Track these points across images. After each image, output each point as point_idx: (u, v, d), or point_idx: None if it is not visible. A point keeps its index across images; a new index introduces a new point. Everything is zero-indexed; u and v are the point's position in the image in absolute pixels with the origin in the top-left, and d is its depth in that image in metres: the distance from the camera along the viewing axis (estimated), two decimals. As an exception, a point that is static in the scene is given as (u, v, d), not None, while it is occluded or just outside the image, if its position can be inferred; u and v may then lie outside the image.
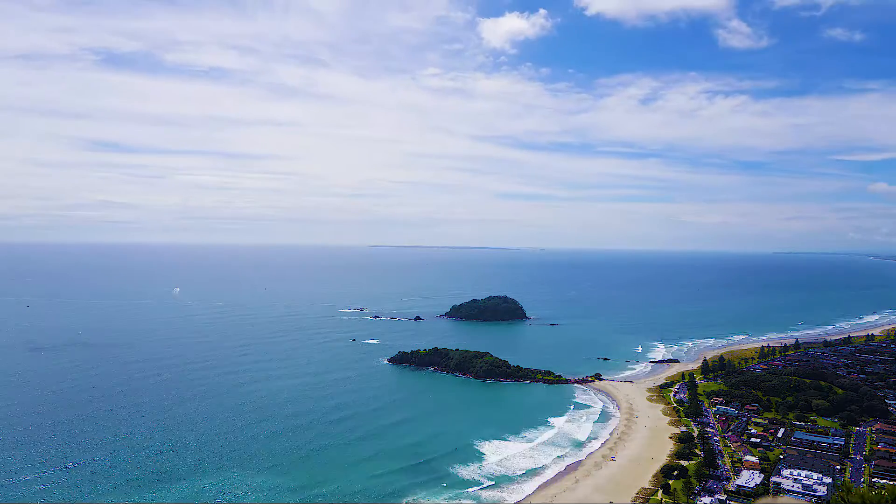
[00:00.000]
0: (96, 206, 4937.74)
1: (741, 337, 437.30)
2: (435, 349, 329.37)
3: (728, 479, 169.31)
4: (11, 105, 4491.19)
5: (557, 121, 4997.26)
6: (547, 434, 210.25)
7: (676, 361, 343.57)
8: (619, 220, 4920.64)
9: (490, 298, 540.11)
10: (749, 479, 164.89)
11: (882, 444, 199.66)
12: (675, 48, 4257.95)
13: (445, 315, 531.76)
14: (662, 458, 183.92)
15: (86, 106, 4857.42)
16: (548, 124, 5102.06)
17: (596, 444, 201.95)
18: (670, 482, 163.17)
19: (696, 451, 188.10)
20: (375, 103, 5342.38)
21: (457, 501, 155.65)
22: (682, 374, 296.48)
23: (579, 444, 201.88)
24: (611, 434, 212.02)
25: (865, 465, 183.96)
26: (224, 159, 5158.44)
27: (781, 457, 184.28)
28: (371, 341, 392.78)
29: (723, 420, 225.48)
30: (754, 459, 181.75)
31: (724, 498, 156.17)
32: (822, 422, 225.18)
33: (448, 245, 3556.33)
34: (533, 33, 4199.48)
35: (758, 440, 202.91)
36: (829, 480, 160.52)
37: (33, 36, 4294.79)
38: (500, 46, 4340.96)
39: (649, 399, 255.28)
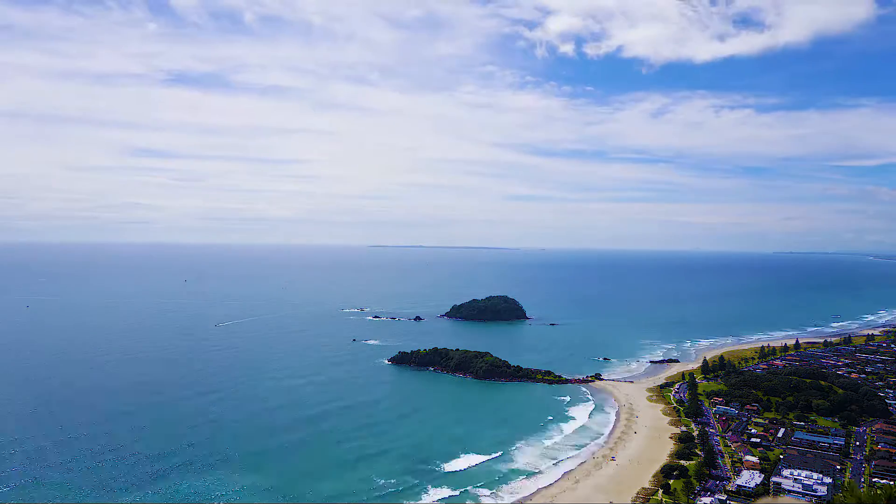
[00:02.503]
0: (123, 208, 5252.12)
1: (741, 337, 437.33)
2: (435, 349, 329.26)
3: (728, 479, 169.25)
4: (66, 116, 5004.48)
5: (574, 130, 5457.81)
6: (547, 434, 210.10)
7: (676, 361, 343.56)
8: (624, 221, 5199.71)
9: (490, 298, 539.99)
10: (749, 479, 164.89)
11: (882, 444, 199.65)
12: (686, 72, 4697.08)
13: (445, 315, 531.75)
14: (662, 458, 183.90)
15: (139, 116, 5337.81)
16: (565, 133, 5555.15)
17: (596, 444, 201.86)
18: (670, 482, 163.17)
19: (697, 451, 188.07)
20: (411, 115, 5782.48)
21: (457, 502, 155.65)
22: (682, 374, 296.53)
23: (579, 444, 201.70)
24: (611, 434, 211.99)
25: (865, 465, 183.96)
26: (254, 164, 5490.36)
27: (781, 457, 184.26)
28: (371, 341, 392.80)
29: (723, 420, 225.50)
30: (754, 459, 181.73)
31: (724, 498, 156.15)
32: (823, 422, 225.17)
33: (447, 245, 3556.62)
34: (557, 64, 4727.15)
35: (758, 440, 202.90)
36: (829, 480, 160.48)
37: (118, 59, 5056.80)
38: (528, 68, 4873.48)
39: (649, 399, 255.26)
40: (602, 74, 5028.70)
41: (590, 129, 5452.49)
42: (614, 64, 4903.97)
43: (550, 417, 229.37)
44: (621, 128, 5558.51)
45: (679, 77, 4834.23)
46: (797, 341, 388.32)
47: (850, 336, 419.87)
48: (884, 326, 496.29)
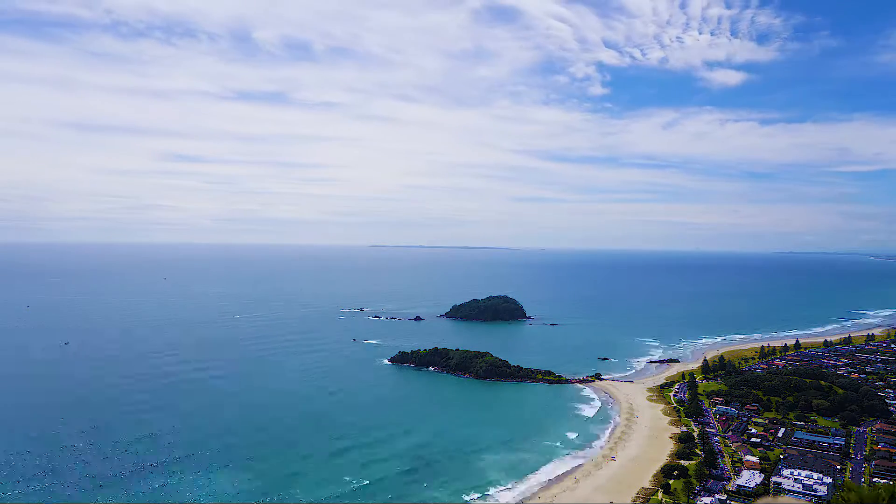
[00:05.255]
0: (147, 209, 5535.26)
1: (741, 337, 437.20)
2: (435, 349, 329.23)
3: (728, 478, 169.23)
4: (114, 125, 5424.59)
5: (590, 139, 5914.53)
6: (547, 434, 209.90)
7: (676, 361, 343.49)
8: (629, 222, 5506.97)
9: (490, 298, 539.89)
10: (749, 478, 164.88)
11: (882, 443, 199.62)
12: (694, 89, 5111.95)
13: (445, 315, 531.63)
14: (663, 458, 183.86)
15: (183, 126, 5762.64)
16: (581, 142, 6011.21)
17: (596, 444, 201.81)
18: (671, 482, 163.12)
19: (697, 450, 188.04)
20: (441, 126, 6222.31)
21: (457, 501, 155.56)
22: (682, 374, 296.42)
23: (579, 444, 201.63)
24: (611, 434, 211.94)
25: (866, 464, 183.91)
26: (279, 168, 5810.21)
27: (782, 457, 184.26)
28: (371, 341, 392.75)
29: (723, 420, 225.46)
30: (754, 459, 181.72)
31: (724, 498, 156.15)
32: (823, 422, 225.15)
33: (447, 245, 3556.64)
34: (581, 84, 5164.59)
35: (758, 440, 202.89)
36: (829, 480, 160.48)
37: (192, 79, 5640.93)
38: (554, 88, 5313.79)
39: (649, 399, 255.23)
40: (619, 93, 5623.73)
41: (605, 138, 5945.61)
42: (630, 84, 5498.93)
43: (550, 417, 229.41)
44: (633, 137, 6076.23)
45: (688, 96, 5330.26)
46: (797, 341, 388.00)
47: (850, 336, 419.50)
48: (884, 326, 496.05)
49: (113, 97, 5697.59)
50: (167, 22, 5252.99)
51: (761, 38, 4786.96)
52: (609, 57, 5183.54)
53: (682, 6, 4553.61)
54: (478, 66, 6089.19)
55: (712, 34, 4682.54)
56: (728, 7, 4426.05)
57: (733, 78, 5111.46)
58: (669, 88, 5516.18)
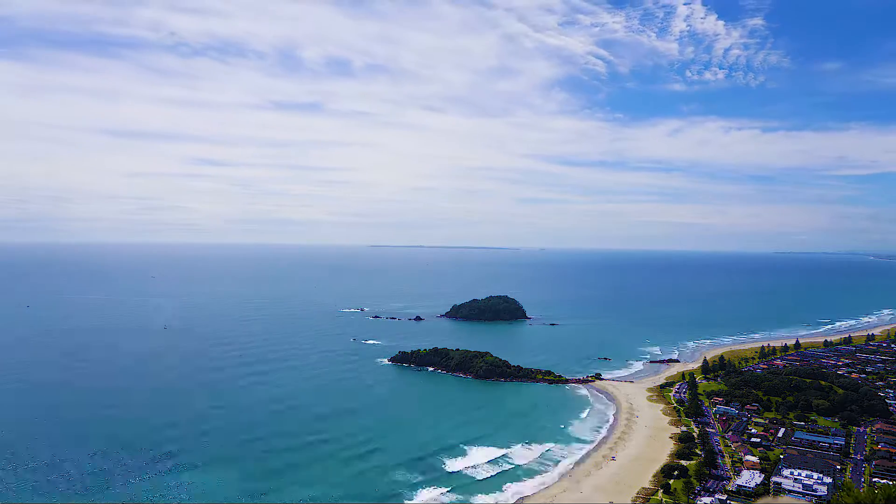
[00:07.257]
0: (166, 210, 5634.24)
1: (741, 337, 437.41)
2: (435, 349, 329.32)
3: (728, 478, 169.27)
4: (141, 131, 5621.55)
5: (600, 145, 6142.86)
6: (547, 434, 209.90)
7: (676, 361, 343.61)
8: (633, 223, 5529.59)
9: (490, 298, 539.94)
10: (749, 478, 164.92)
11: (882, 443, 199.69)
12: (698, 100, 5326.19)
13: (446, 315, 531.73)
14: (663, 458, 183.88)
15: (215, 133, 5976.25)
16: (591, 147, 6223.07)
17: (596, 444, 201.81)
18: (671, 482, 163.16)
19: (697, 450, 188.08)
20: (459, 133, 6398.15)
21: (457, 502, 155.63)
22: (683, 374, 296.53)
23: (579, 444, 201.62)
24: (611, 434, 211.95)
25: (866, 464, 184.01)
26: (297, 171, 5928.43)
27: (782, 457, 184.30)
28: (371, 341, 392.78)
29: (723, 420, 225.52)
30: (755, 459, 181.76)
31: (724, 498, 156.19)
32: (823, 421, 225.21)
33: (447, 245, 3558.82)
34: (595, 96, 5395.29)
35: (758, 440, 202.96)
36: (829, 480, 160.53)
37: (237, 92, 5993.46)
38: (569, 100, 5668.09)
39: (649, 399, 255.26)
40: (632, 106, 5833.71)
41: (613, 144, 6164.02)
42: (643, 99, 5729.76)
43: (550, 417, 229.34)
44: (641, 143, 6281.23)
45: (695, 108, 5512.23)
46: (797, 341, 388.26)
47: (850, 336, 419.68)
48: (884, 326, 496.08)
49: (155, 107, 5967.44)
50: (223, 43, 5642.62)
51: (772, 71, 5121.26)
52: (633, 84, 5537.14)
53: (707, 50, 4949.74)
54: (500, 80, 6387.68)
55: (731, 68, 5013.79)
56: (746, 49, 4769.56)
57: (739, 95, 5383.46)
58: (678, 103, 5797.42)
